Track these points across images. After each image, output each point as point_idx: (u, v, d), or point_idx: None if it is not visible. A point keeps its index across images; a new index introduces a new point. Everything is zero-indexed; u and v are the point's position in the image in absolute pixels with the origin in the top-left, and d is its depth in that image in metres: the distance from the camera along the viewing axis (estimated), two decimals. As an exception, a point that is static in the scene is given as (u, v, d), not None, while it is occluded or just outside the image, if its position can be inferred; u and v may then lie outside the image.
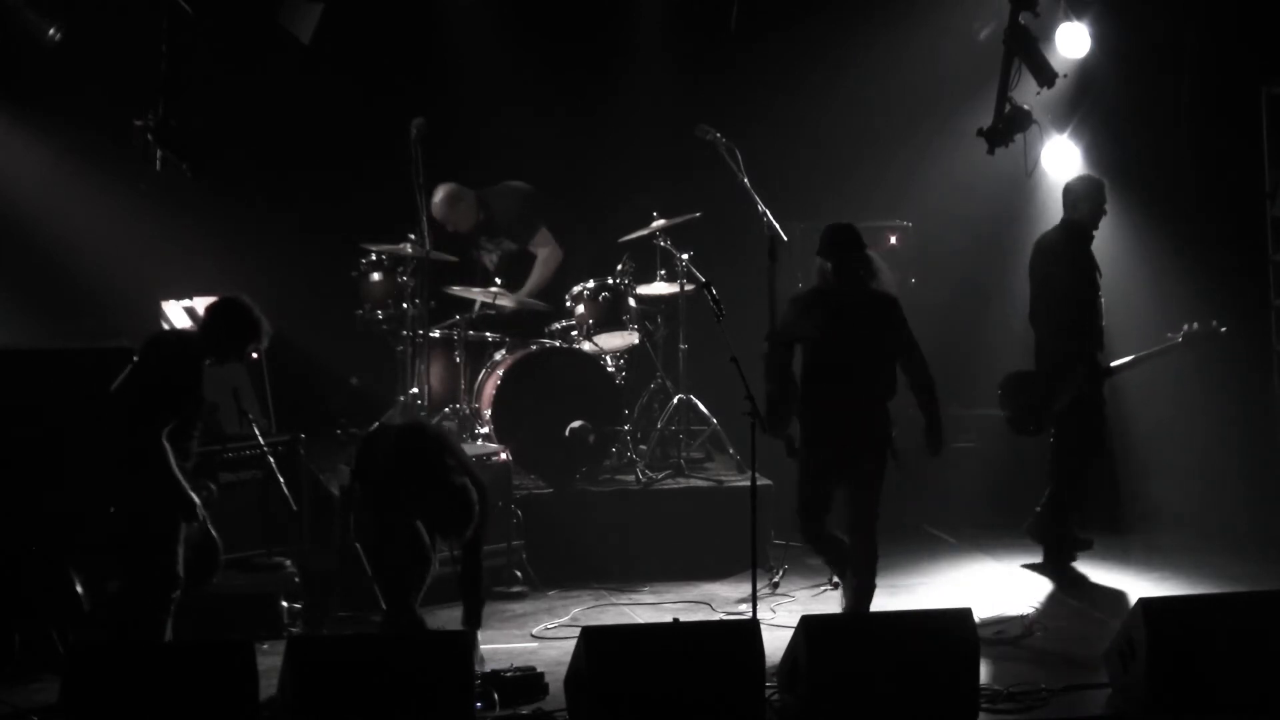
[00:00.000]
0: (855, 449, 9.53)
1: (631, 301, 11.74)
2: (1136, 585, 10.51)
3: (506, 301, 11.84)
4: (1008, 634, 9.65)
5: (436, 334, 11.69)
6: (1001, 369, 12.87)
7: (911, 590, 10.73)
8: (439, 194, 11.96)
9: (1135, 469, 12.36)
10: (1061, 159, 12.23)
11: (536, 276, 12.19)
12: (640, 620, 10.13)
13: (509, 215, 12.20)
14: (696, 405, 11.85)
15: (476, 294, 11.85)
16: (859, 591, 9.56)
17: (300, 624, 9.81)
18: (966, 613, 8.29)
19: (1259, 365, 12.10)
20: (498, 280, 12.01)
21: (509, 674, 8.71)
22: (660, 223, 11.62)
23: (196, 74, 11.06)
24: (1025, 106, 10.89)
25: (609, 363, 11.61)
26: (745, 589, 9.56)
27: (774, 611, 10.00)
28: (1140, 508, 12.26)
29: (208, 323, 8.99)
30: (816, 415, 9.59)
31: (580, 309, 11.79)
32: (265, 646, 9.38)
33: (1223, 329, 11.10)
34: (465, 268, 12.13)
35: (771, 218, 10.98)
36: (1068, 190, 10.94)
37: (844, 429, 9.53)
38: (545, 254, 12.19)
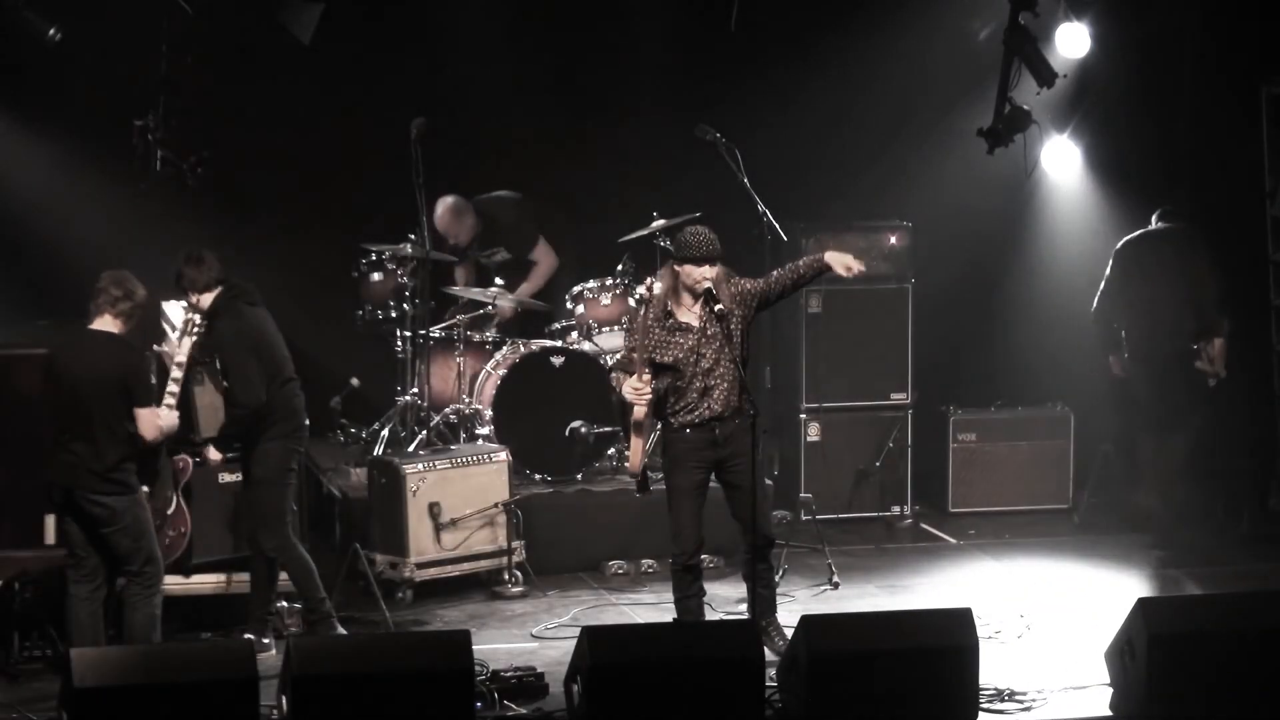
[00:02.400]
0: (735, 446, 9.19)
1: (631, 301, 11.73)
2: (1136, 585, 10.51)
3: (506, 301, 11.86)
4: (1007, 634, 9.66)
5: (437, 334, 11.69)
6: (1001, 369, 12.93)
7: (911, 590, 10.74)
8: (441, 207, 11.98)
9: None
10: (1061, 159, 12.23)
11: (532, 283, 12.22)
12: (640, 620, 10.13)
13: (506, 226, 12.23)
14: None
15: (476, 294, 11.86)
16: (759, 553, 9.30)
17: (300, 624, 9.82)
18: (966, 613, 8.29)
19: (1259, 365, 12.09)
20: (498, 280, 12.01)
21: (509, 674, 8.72)
22: (660, 223, 11.62)
23: (196, 74, 11.07)
24: (1025, 106, 10.89)
25: (609, 363, 11.61)
26: (745, 589, 9.57)
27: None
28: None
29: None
30: (691, 432, 9.22)
31: (580, 309, 11.81)
32: (267, 641, 9.44)
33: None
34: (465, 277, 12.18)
35: (771, 218, 10.98)
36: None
37: (723, 434, 9.20)
38: (543, 262, 12.23)
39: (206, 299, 9.43)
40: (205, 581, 9.90)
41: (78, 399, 8.75)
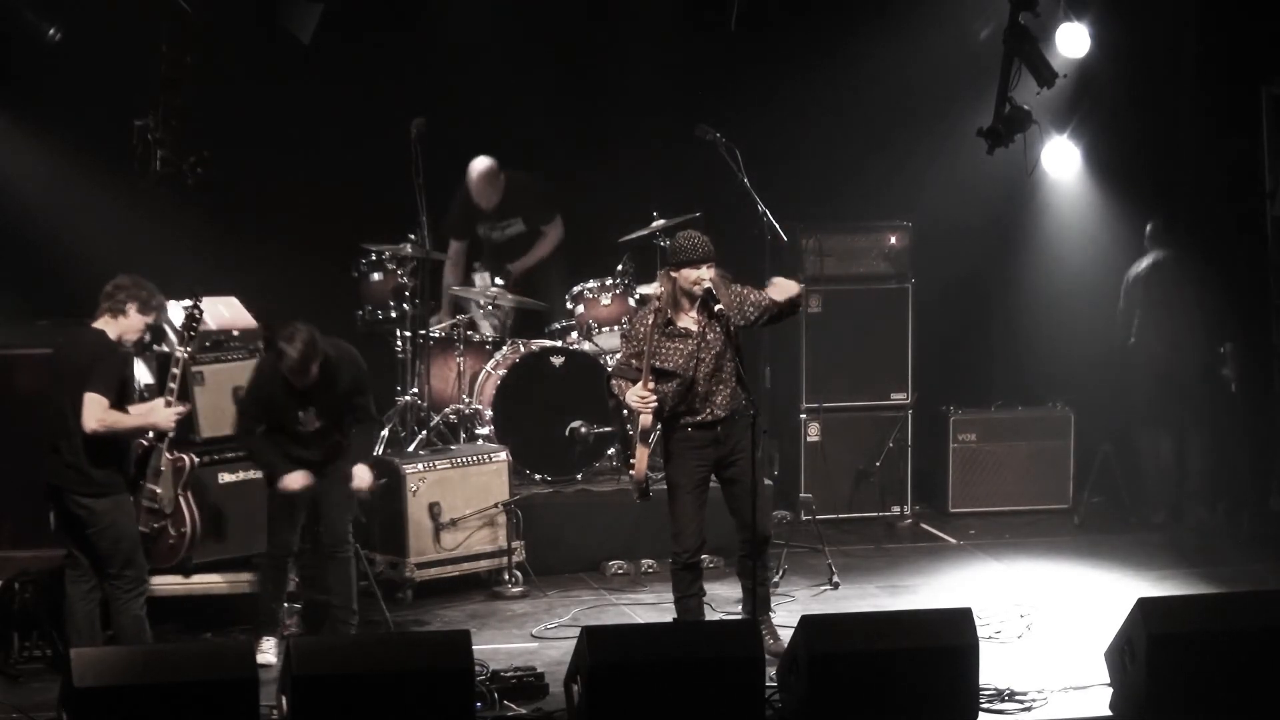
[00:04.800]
0: (734, 445, 9.22)
1: (631, 301, 11.74)
2: (1136, 585, 10.51)
3: (506, 302, 11.86)
4: (1007, 634, 9.66)
5: (437, 334, 11.69)
6: (1001, 369, 12.94)
7: (912, 590, 10.74)
8: (480, 168, 11.99)
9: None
10: (1061, 159, 12.23)
11: (540, 250, 12.22)
12: (640, 620, 10.13)
13: (527, 199, 12.20)
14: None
15: (475, 294, 11.85)
16: (756, 547, 9.29)
17: (300, 624, 9.82)
18: (966, 613, 8.29)
19: (1259, 366, 12.10)
20: (498, 282, 11.98)
21: (509, 674, 8.72)
22: (660, 223, 11.62)
23: (196, 74, 11.06)
24: (1025, 106, 10.90)
25: (609, 363, 11.60)
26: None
27: (774, 611, 9.99)
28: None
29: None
30: (693, 431, 9.23)
31: (580, 309, 11.81)
32: (272, 643, 9.44)
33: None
34: (471, 247, 12.21)
35: (771, 218, 10.98)
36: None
37: (719, 436, 9.23)
38: (551, 235, 12.26)
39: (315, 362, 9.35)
40: (206, 581, 9.90)
41: (60, 393, 8.82)
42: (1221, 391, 12.04)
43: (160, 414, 8.98)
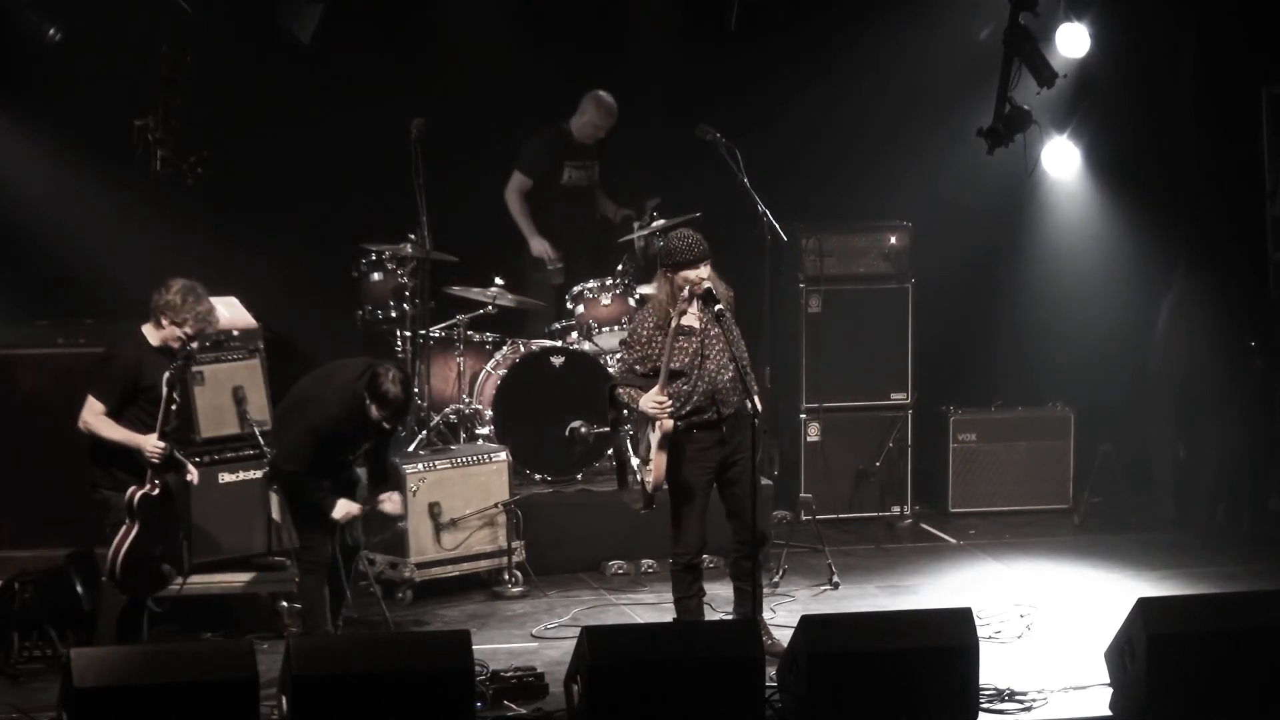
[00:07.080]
0: (736, 445, 9.21)
1: (631, 301, 11.74)
2: (1136, 585, 10.52)
3: (506, 301, 11.86)
4: (1007, 634, 9.66)
5: (437, 333, 11.69)
6: (1001, 369, 12.94)
7: (912, 590, 10.75)
8: (606, 101, 12.15)
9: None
10: (1061, 159, 12.23)
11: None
12: (640, 620, 10.14)
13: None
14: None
15: (476, 294, 11.86)
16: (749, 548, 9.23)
17: (300, 624, 9.82)
18: (966, 613, 8.30)
19: (1259, 365, 12.10)
20: (498, 281, 11.97)
21: (509, 674, 8.73)
22: (660, 223, 11.62)
23: (196, 74, 11.06)
24: (1025, 106, 10.90)
25: (609, 363, 11.61)
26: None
27: (774, 611, 10.01)
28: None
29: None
30: (699, 432, 9.20)
31: (580, 309, 11.81)
32: (265, 646, 9.42)
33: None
34: (544, 184, 12.29)
35: (771, 218, 10.98)
36: None
37: (725, 436, 9.22)
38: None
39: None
40: (206, 581, 9.89)
41: None
42: (1229, 389, 12.01)
43: (147, 439, 8.97)
